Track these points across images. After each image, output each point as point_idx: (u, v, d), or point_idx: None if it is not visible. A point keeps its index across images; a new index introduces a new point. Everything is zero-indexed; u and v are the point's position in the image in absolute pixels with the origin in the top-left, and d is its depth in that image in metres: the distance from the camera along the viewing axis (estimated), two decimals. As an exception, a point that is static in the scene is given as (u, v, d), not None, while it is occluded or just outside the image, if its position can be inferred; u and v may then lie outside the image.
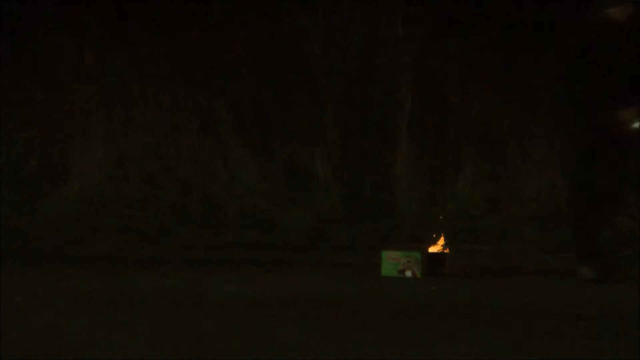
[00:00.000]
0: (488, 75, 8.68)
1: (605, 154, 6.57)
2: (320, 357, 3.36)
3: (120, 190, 9.47)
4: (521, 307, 5.16)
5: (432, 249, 7.57)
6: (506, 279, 7.12)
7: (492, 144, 8.75)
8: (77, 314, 4.67)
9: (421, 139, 9.01)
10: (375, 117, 9.03)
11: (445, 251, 7.71)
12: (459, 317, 4.76)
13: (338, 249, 8.84)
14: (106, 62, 9.59)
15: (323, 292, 5.97)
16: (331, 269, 7.74)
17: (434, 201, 8.98)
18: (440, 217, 8.65)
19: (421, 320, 4.56)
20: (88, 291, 5.72)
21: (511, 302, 5.46)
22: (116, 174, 9.57)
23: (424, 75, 8.94)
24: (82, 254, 8.82)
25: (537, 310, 5.05)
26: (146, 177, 9.47)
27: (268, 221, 9.14)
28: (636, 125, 6.55)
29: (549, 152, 8.60)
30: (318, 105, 9.15)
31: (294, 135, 9.27)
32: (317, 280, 6.96)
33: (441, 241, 7.87)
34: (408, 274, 6.98)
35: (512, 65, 8.54)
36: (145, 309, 4.93)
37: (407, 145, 9.03)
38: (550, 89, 8.34)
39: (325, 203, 9.12)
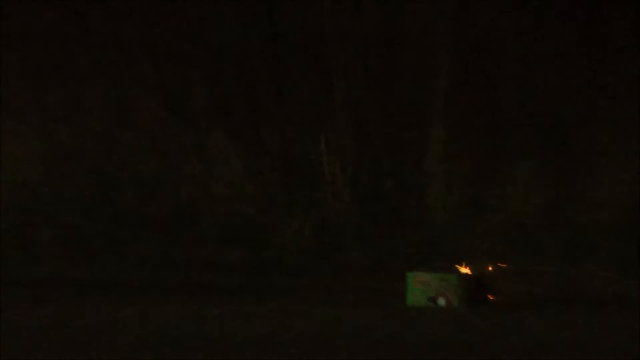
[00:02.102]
0: (551, 45, 8.98)
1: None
2: None
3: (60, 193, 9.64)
4: (588, 347, 5.31)
5: (473, 270, 7.84)
6: (571, 310, 7.31)
7: (554, 135, 9.02)
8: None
9: (460, 126, 9.20)
10: (400, 97, 9.28)
11: (490, 272, 7.94)
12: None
13: (349, 270, 9.08)
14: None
15: (329, 331, 6.04)
16: (340, 297, 7.94)
17: (477, 207, 9.18)
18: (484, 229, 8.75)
19: None
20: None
21: (578, 341, 5.56)
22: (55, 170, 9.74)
23: (465, 40, 9.13)
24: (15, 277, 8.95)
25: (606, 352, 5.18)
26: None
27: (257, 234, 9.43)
28: None
29: (629, 147, 8.75)
30: (324, 82, 9.40)
31: (290, 121, 9.50)
32: (321, 313, 7.05)
33: (485, 260, 8.15)
34: (441, 302, 7.23)
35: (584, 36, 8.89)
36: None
37: (442, 134, 9.24)
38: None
39: (332, 209, 9.36)
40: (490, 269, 7.97)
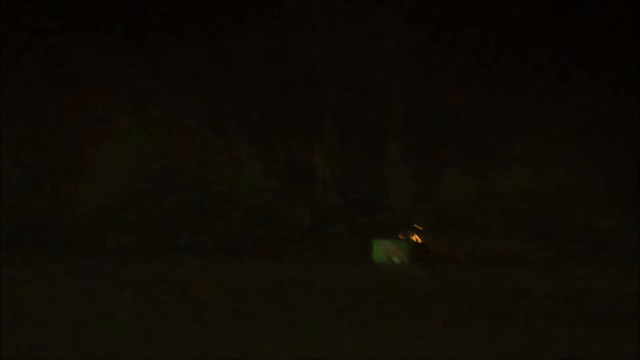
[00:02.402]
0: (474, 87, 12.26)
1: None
2: (322, 325, 6.12)
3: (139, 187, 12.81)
4: (483, 288, 8.46)
5: (419, 239, 11.03)
6: (482, 266, 10.56)
7: (475, 147, 12.42)
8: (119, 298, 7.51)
9: (409, 142, 12.60)
10: (368, 122, 12.66)
11: (430, 240, 11.16)
12: (439, 298, 7.81)
13: (334, 239, 12.32)
14: (125, 68, 13.02)
15: (323, 277, 9.21)
16: (328, 256, 11.25)
17: (422, 198, 12.52)
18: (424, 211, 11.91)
19: (406, 301, 7.59)
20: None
21: (484, 284, 8.77)
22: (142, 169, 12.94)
23: (415, 84, 12.46)
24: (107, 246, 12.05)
25: (496, 289, 8.44)
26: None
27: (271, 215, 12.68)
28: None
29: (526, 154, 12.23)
30: (317, 113, 12.71)
31: (294, 138, 12.79)
32: (316, 266, 10.36)
33: (427, 232, 11.28)
34: (396, 260, 10.43)
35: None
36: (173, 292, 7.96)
37: (398, 148, 12.60)
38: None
39: (322, 198, 12.75)
40: (430, 238, 11.23)
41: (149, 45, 13.02)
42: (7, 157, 12.70)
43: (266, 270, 10.05)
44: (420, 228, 11.41)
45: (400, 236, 11.21)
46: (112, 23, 13.11)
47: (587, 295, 8.17)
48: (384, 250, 10.73)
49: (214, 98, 12.86)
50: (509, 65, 12.30)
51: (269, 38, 12.85)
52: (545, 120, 12.52)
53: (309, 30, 12.77)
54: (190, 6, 13.08)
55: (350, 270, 10.21)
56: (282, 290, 8.31)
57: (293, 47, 12.81)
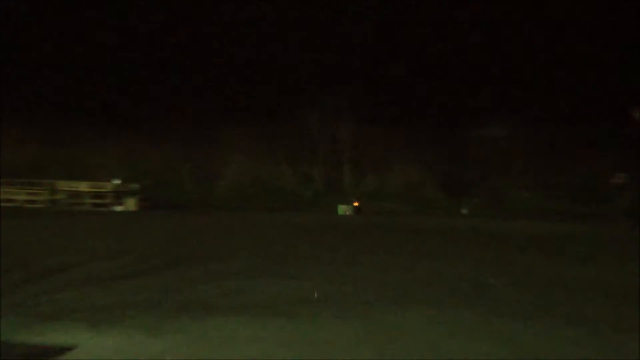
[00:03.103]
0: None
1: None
2: (321, 242, 20.88)
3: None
4: (381, 226, 23.03)
5: (356, 204, 25.61)
6: (381, 216, 24.97)
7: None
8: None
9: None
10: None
11: (359, 204, 25.65)
12: (370, 229, 22.41)
13: (323, 206, 26.50)
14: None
15: (316, 220, 23.88)
16: (318, 212, 25.67)
17: (356, 187, 26.58)
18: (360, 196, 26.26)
19: (353, 231, 22.36)
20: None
21: (387, 224, 23.25)
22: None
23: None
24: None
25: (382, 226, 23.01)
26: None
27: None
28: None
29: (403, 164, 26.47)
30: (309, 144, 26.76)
31: (300, 154, 26.85)
32: (313, 216, 24.92)
33: (357, 201, 25.66)
34: (348, 213, 25.08)
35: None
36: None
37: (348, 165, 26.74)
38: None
39: (318, 185, 26.78)
40: (361, 203, 25.61)
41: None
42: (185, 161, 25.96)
43: (290, 218, 24.18)
44: (357, 200, 25.70)
45: (352, 204, 25.55)
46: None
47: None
48: (343, 209, 25.06)
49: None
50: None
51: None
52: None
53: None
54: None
55: (328, 217, 24.68)
56: (297, 226, 22.00)
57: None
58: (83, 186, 21.47)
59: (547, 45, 23.52)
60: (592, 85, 22.37)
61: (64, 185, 21.50)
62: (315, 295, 9.92)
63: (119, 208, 20.74)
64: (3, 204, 20.54)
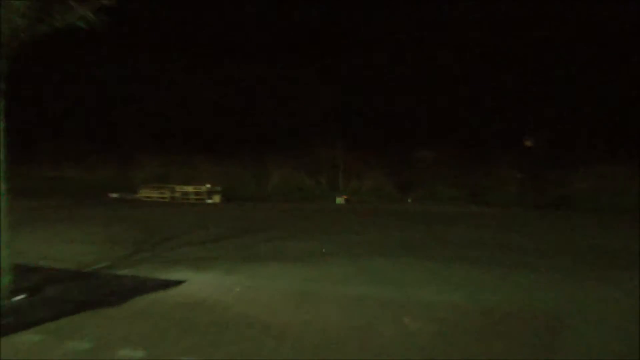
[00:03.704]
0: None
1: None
2: (326, 219, 22.08)
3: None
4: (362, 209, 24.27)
5: (346, 197, 26.56)
6: (361, 204, 26.02)
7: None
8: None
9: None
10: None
11: (348, 196, 26.49)
12: (354, 212, 23.40)
13: (325, 198, 27.10)
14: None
15: (324, 208, 24.42)
16: (320, 201, 26.38)
17: (348, 187, 27.35)
18: (348, 195, 26.97)
19: (344, 213, 23.17)
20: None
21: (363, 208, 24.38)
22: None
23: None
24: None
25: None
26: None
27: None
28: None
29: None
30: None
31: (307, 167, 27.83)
32: (323, 205, 25.62)
33: (347, 195, 26.38)
34: (343, 202, 25.83)
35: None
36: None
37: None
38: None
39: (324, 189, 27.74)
40: (349, 196, 26.54)
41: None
42: (248, 172, 26.75)
43: (308, 206, 24.84)
44: (346, 195, 26.45)
45: (343, 197, 26.16)
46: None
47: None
48: (339, 200, 25.77)
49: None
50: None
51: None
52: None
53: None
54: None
55: (330, 205, 24.90)
56: (312, 210, 22.72)
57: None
58: (189, 188, 23.23)
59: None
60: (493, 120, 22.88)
61: (179, 187, 23.30)
62: (323, 250, 10.80)
63: (209, 201, 22.45)
64: (144, 199, 22.19)
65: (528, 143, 18.98)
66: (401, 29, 24.15)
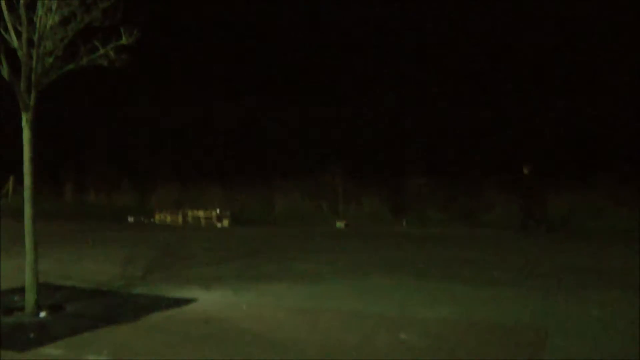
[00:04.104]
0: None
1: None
2: (328, 241, 22.17)
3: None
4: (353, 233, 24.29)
5: (345, 222, 26.24)
6: (358, 228, 25.97)
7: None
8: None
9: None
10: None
11: (347, 222, 26.17)
12: (353, 235, 23.17)
13: (329, 221, 26.94)
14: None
15: (326, 231, 23.83)
16: (327, 226, 25.95)
17: (347, 212, 27.06)
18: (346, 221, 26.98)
19: (344, 235, 23.06)
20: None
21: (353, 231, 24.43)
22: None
23: None
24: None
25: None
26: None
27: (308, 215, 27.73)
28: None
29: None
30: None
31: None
32: (325, 228, 25.18)
33: (346, 220, 26.04)
34: (342, 226, 25.04)
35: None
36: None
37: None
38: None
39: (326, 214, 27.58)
40: (345, 222, 26.36)
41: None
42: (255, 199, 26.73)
43: (311, 229, 24.37)
44: (346, 220, 25.96)
45: (343, 221, 25.35)
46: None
47: None
48: (339, 224, 24.63)
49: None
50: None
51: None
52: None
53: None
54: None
55: (331, 229, 23.48)
56: (315, 233, 22.80)
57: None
58: (200, 213, 23.31)
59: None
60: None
61: (191, 212, 23.39)
62: (325, 271, 10.77)
63: (219, 225, 22.51)
64: (159, 223, 22.30)
65: (525, 170, 19.04)
66: (396, 65, 23.92)
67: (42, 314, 7.04)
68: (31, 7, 6.72)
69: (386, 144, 25.75)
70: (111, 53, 7.15)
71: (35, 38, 6.73)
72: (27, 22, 6.59)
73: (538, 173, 18.71)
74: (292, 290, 8.96)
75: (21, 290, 7.24)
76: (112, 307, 7.58)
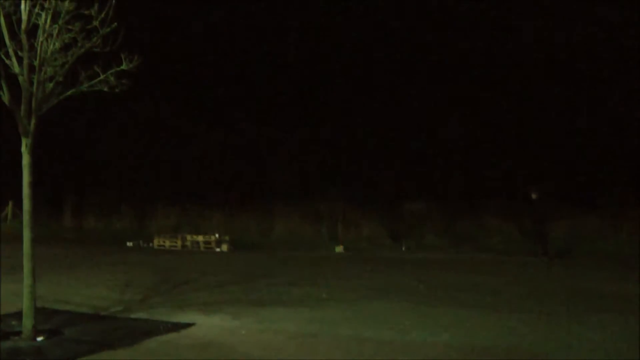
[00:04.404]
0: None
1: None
2: (327, 266, 21.98)
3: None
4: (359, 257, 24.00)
5: (342, 247, 26.02)
6: (357, 252, 25.61)
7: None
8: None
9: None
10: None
11: (345, 247, 25.98)
12: (352, 259, 23.02)
13: (328, 245, 26.61)
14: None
15: (325, 256, 23.62)
16: (326, 251, 25.62)
17: (346, 237, 26.92)
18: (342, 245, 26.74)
19: (343, 260, 22.77)
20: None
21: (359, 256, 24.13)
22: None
23: None
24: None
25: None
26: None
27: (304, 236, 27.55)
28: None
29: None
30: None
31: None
32: (324, 253, 24.85)
33: (345, 244, 25.87)
34: (342, 251, 24.82)
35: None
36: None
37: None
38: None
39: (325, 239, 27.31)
40: (346, 247, 26.15)
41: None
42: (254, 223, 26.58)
43: (310, 254, 24.02)
44: (344, 244, 25.75)
45: (342, 246, 24.99)
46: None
47: None
48: (338, 249, 24.29)
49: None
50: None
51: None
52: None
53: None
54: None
55: (330, 254, 23.16)
56: (314, 258, 22.39)
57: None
58: (199, 237, 23.28)
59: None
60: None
61: (190, 237, 23.34)
62: (324, 295, 10.75)
63: (218, 249, 22.45)
64: (157, 248, 22.24)
65: (534, 195, 18.88)
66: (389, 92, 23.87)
67: (40, 339, 6.98)
68: (32, 33, 6.80)
69: (386, 167, 25.54)
70: (112, 78, 7.21)
71: (36, 64, 6.80)
72: (29, 47, 6.65)
73: (545, 198, 18.32)
74: (291, 314, 8.88)
75: (19, 315, 7.19)
76: (110, 332, 7.52)
